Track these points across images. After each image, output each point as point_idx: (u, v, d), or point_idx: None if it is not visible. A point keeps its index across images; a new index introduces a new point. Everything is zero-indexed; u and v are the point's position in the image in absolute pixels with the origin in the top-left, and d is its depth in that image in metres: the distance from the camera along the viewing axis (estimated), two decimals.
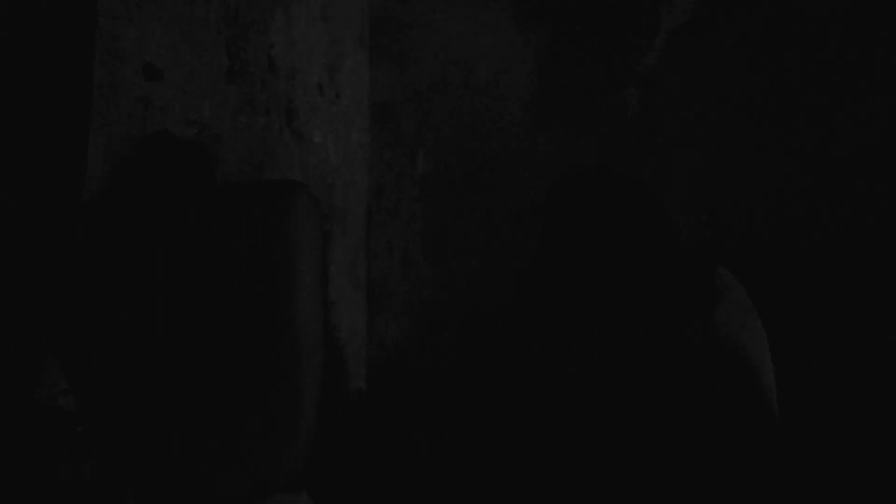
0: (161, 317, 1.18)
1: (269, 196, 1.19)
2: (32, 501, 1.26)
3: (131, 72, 2.19)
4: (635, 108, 2.66)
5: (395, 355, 2.81)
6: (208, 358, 1.17)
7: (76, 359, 1.24)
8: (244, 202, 1.19)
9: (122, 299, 1.19)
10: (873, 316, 2.23)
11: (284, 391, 1.11)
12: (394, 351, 2.82)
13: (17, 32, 1.76)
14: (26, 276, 1.34)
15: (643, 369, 1.76)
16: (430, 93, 2.83)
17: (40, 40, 1.83)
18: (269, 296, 1.13)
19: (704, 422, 1.71)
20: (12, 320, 1.26)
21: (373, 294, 2.83)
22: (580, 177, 2.04)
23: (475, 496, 2.08)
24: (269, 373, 1.13)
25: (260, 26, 2.47)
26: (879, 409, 2.13)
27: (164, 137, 1.26)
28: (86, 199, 1.76)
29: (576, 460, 1.74)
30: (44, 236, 1.51)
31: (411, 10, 2.83)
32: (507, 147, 2.73)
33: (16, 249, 1.44)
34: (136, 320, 1.19)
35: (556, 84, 2.72)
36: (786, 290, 2.29)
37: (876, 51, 2.34)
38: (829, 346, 2.24)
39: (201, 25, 2.32)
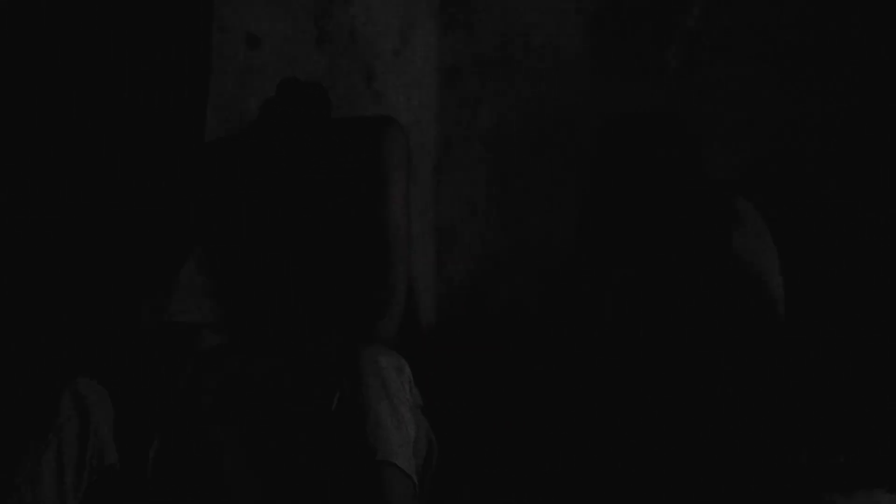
0: (282, 221, 1.53)
1: (369, 125, 1.53)
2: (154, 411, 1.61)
3: (235, 40, 2.54)
4: (677, 65, 2.95)
5: (464, 293, 3.15)
6: (322, 252, 1.52)
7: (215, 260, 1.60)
8: (351, 131, 1.53)
9: (250, 208, 1.55)
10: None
11: (379, 276, 1.46)
12: (462, 289, 3.16)
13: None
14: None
15: (673, 284, 2.07)
16: (492, 57, 3.14)
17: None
18: (368, 201, 1.47)
19: (723, 329, 2.02)
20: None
21: (442, 238, 3.17)
22: (626, 120, 2.36)
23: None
24: (368, 261, 1.48)
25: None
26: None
27: (291, 82, 1.61)
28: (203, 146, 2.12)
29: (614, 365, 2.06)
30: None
31: None
32: (564, 105, 3.03)
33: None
34: (261, 223, 1.54)
35: (607, 46, 3.02)
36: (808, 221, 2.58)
37: None
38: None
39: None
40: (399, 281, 1.50)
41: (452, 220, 3.17)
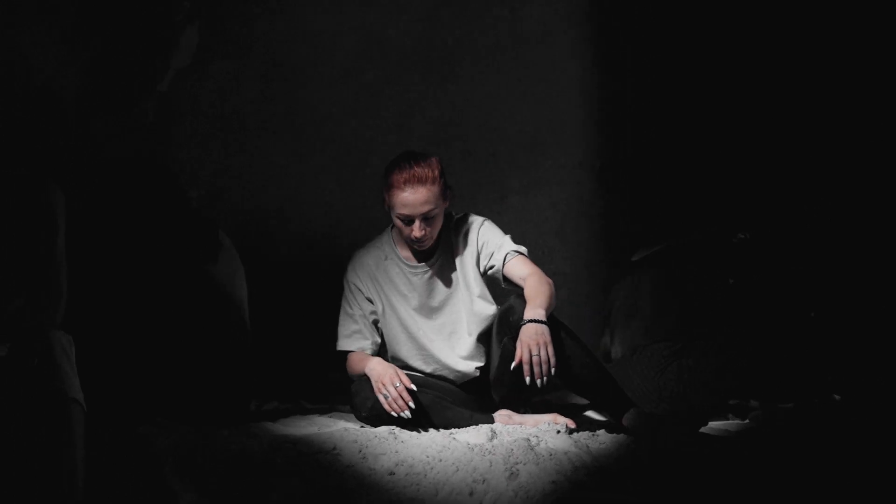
0: None
1: None
2: None
3: None
4: (153, 118, 3.93)
5: None
6: None
7: None
8: None
9: None
10: None
11: None
12: None
13: None
14: None
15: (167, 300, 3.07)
16: None
17: None
18: None
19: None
20: None
21: None
22: (123, 164, 3.31)
23: None
24: None
25: None
26: None
27: None
28: None
29: None
30: None
31: None
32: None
33: None
34: None
35: (102, 91, 3.85)
36: None
37: None
38: None
39: None
40: None
41: None
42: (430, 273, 3.06)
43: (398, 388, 2.84)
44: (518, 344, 2.73)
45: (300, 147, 4.13)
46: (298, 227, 4.12)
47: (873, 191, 3.80)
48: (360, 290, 3.10)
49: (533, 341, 2.70)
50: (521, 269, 2.98)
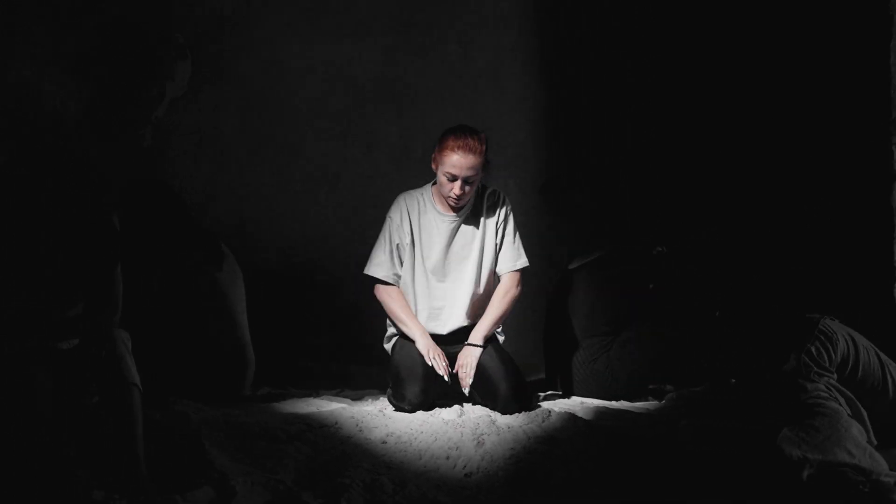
0: None
1: None
2: None
3: None
4: (150, 141, 4.44)
5: None
6: None
7: None
8: None
9: None
10: None
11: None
12: None
13: None
14: None
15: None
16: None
17: None
18: None
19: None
20: None
21: None
22: (140, 186, 3.81)
23: None
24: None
25: None
26: None
27: None
28: None
29: None
30: None
31: None
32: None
33: None
34: None
35: (105, 117, 4.33)
36: None
37: None
38: None
39: None
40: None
41: None
42: (456, 223, 3.69)
43: (444, 362, 3.53)
44: (458, 357, 3.59)
45: (277, 167, 4.68)
46: (275, 237, 4.66)
47: (767, 215, 4.55)
48: (397, 222, 3.70)
49: (466, 361, 3.57)
50: (503, 282, 3.72)
